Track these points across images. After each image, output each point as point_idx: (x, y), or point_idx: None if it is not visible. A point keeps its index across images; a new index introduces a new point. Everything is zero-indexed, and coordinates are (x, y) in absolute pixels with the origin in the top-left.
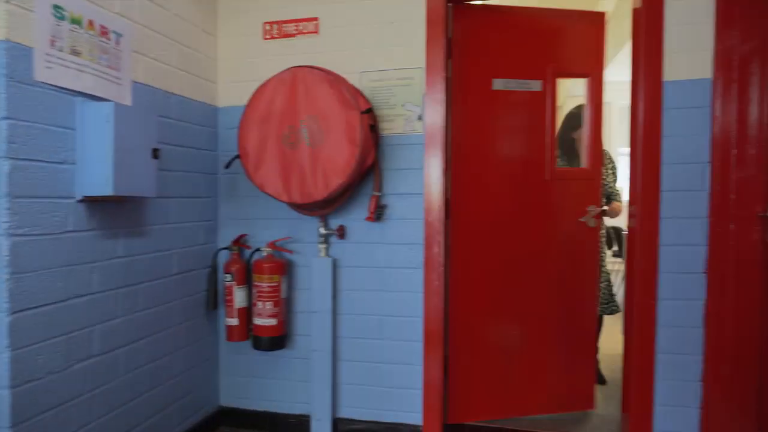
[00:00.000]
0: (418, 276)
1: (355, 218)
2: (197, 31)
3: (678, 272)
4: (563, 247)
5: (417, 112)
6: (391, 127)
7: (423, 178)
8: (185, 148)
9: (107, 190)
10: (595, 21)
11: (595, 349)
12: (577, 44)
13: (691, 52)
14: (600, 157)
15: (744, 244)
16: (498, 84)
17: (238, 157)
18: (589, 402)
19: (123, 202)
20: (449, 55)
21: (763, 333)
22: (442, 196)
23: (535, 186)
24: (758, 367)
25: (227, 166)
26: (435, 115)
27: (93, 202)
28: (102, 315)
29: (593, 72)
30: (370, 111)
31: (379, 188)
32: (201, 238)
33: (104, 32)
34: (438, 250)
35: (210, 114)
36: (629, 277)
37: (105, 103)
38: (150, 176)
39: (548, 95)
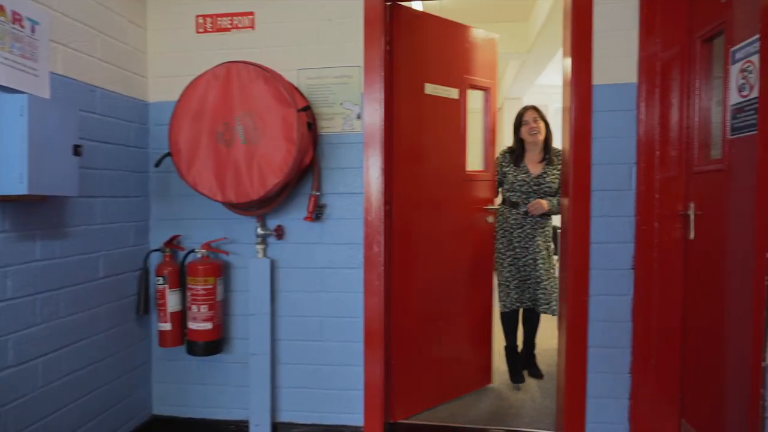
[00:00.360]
0: (358, 276)
1: (294, 218)
2: (123, 22)
3: (608, 269)
4: (471, 243)
5: (356, 111)
6: (330, 125)
7: (363, 178)
8: (112, 144)
9: (21, 189)
10: (491, 43)
11: (490, 335)
12: (481, 60)
13: (617, 57)
14: (493, 160)
15: (667, 241)
16: (429, 88)
17: (169, 154)
18: (487, 378)
19: (41, 201)
20: (388, 54)
21: (684, 325)
22: (382, 196)
23: (455, 185)
24: (680, 358)
25: (157, 164)
26: (374, 114)
27: (6, 202)
28: (18, 322)
29: (491, 86)
30: (307, 109)
31: (318, 187)
32: (131, 240)
33: (17, 19)
34: (378, 249)
35: (140, 109)
36: (562, 274)
37: (18, 95)
38: (71, 174)
39: (462, 104)
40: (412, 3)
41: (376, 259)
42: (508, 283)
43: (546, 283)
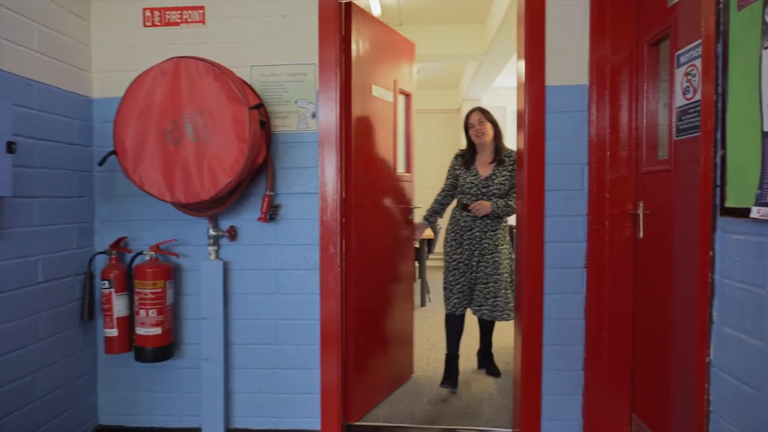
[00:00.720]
0: (314, 277)
1: (247, 219)
2: (63, 13)
3: (561, 267)
4: (398, 242)
5: (311, 110)
6: (285, 124)
7: (318, 177)
8: (52, 142)
9: None
10: (412, 49)
11: (412, 327)
12: (405, 67)
13: (570, 59)
14: (413, 164)
15: (617, 239)
16: (375, 90)
17: (113, 152)
18: (411, 370)
19: None
20: (343, 53)
21: (634, 321)
22: (338, 196)
23: (391, 186)
24: (631, 354)
25: (101, 162)
26: (329, 113)
27: None
28: None
29: (411, 93)
30: (260, 106)
31: (272, 187)
32: (74, 242)
33: None
34: (334, 250)
35: (83, 105)
36: (518, 273)
37: None
38: (4, 173)
39: (395, 108)
40: (370, 3)
41: (332, 260)
42: (451, 287)
43: (494, 286)
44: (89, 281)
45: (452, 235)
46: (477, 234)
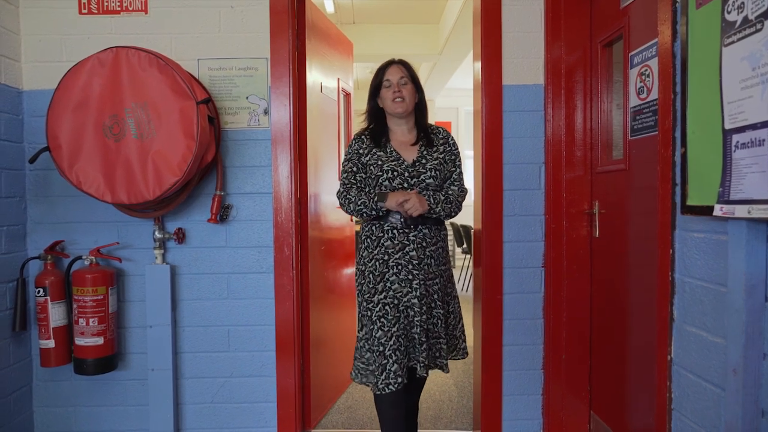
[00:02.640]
0: (269, 280)
1: (196, 220)
2: None
3: (520, 267)
4: (342, 243)
5: (263, 106)
6: (235, 120)
7: (272, 176)
8: None
9: None
10: (350, 48)
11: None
12: (348, 66)
13: (526, 58)
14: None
15: (574, 238)
16: (324, 88)
17: (47, 149)
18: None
19: None
20: (296, 47)
21: (591, 320)
22: (292, 196)
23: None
24: (589, 352)
25: (32, 160)
26: (282, 109)
27: None
28: None
29: (351, 92)
30: (208, 101)
31: (222, 187)
32: (2, 247)
33: None
34: (290, 252)
35: (12, 98)
36: (476, 274)
37: None
38: None
39: (338, 106)
40: (324, 2)
41: (287, 262)
42: (382, 348)
43: (446, 329)
44: (21, 289)
45: (370, 263)
46: (414, 255)
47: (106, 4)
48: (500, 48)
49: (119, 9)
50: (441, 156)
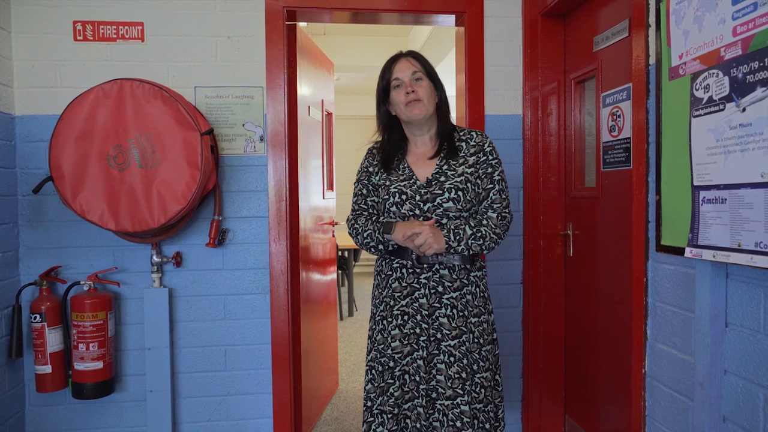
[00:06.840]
0: (264, 301)
1: (193, 243)
2: None
3: (501, 284)
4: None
5: (258, 133)
6: (231, 147)
7: (267, 201)
8: None
9: None
10: (332, 69)
11: (337, 345)
12: (329, 86)
13: (506, 90)
14: (332, 180)
15: (550, 257)
16: (312, 111)
17: (50, 179)
18: (336, 383)
19: None
20: (289, 75)
21: (566, 332)
22: (286, 219)
23: (323, 207)
24: (563, 361)
25: (36, 190)
26: (278, 136)
27: None
28: None
29: (332, 112)
30: (211, 132)
31: (220, 212)
32: None
33: None
34: (284, 273)
35: (4, 123)
36: None
37: None
38: None
39: (322, 127)
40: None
41: (283, 282)
42: (370, 404)
43: (467, 409)
44: (18, 315)
45: (380, 306)
46: (424, 302)
47: (102, 31)
48: (483, 80)
49: (115, 36)
50: (469, 170)
